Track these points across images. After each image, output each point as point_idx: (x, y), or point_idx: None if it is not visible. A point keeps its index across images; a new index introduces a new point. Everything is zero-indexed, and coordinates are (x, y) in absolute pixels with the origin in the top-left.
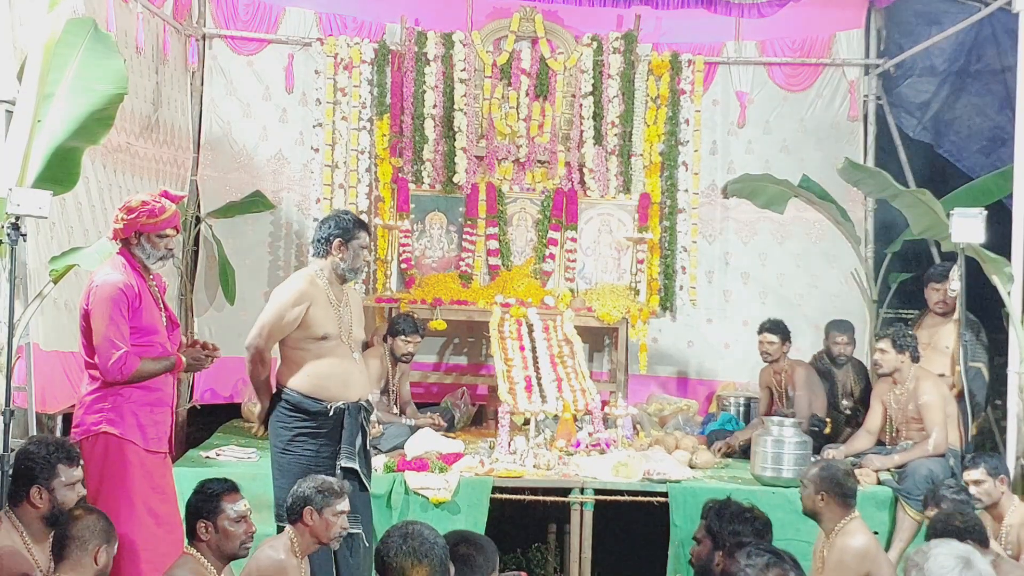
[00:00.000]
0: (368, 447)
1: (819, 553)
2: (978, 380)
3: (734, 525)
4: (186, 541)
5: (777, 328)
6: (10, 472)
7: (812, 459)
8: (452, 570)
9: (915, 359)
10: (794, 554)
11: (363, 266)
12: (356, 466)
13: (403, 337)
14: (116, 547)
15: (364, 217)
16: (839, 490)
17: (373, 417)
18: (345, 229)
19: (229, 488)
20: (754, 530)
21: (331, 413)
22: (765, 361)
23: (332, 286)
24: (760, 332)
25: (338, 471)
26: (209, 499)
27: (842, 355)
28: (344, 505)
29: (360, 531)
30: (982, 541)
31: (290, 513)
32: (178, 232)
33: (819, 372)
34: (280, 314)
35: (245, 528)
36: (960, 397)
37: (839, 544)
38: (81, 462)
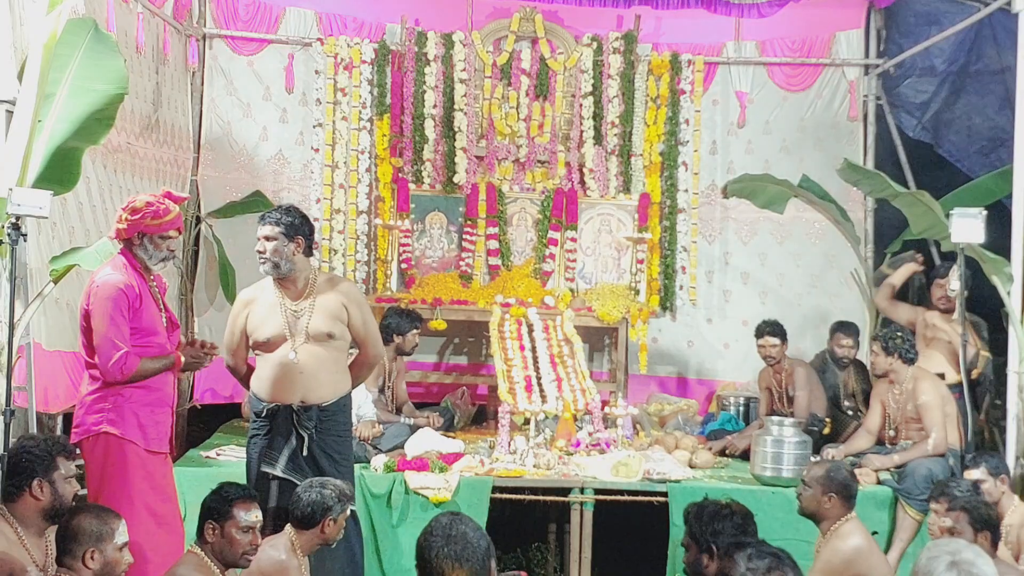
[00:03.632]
0: (313, 452)
1: (819, 553)
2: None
3: (714, 525)
4: (195, 539)
5: (777, 330)
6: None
7: (813, 459)
8: (494, 568)
9: (908, 361)
10: (794, 554)
11: (262, 260)
12: (276, 471)
13: (411, 333)
14: (119, 541)
15: (364, 216)
16: (846, 492)
17: (370, 416)
18: None
19: (245, 496)
20: (735, 525)
21: (263, 414)
22: (768, 364)
23: (289, 287)
24: (760, 336)
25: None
26: (223, 502)
27: (845, 357)
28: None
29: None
30: (995, 536)
31: (308, 521)
32: (180, 233)
33: (821, 372)
34: (231, 329)
35: (251, 540)
36: (960, 395)
37: (831, 546)
38: (78, 454)
